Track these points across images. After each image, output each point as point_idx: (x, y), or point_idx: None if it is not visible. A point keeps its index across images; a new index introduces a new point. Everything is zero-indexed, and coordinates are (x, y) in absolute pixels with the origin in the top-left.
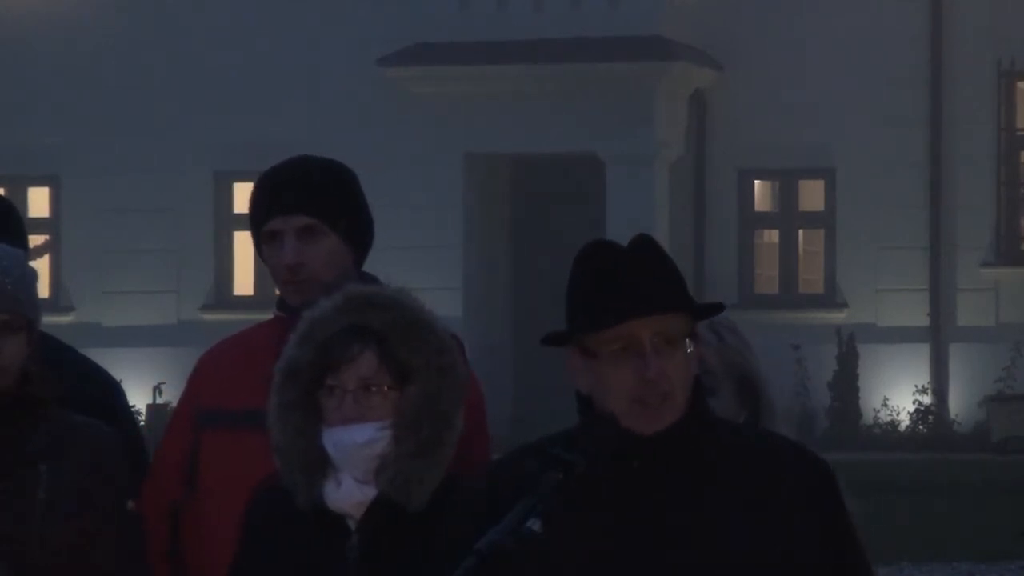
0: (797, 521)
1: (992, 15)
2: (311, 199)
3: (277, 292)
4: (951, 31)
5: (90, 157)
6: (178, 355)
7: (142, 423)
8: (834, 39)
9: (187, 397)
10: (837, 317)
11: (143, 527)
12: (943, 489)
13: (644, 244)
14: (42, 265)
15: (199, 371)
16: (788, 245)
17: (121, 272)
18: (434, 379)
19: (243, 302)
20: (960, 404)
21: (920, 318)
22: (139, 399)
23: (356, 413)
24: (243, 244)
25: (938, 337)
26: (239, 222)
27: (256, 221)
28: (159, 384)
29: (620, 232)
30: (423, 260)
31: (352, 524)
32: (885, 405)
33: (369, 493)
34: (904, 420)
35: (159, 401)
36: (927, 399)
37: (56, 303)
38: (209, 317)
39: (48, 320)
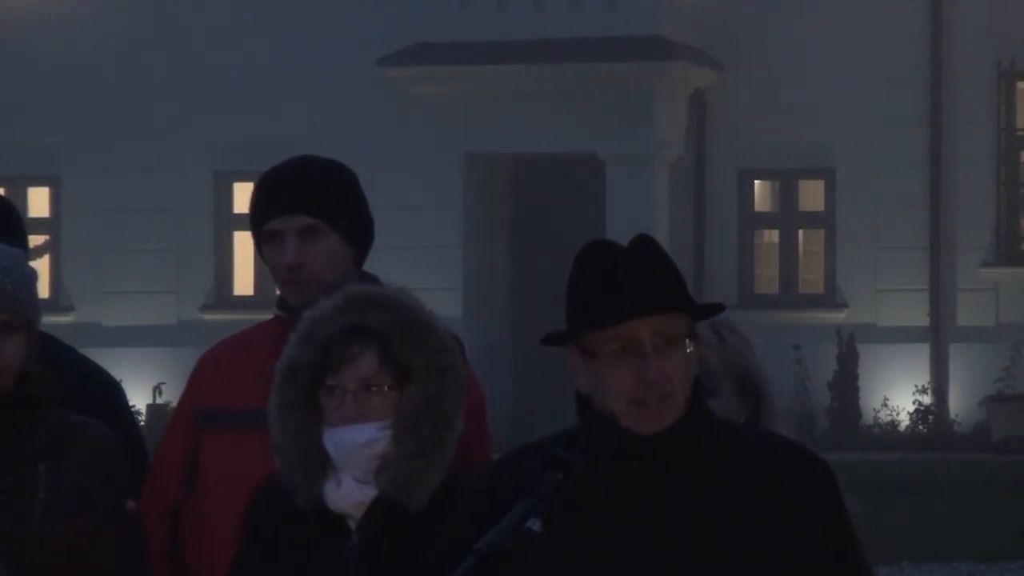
0: (797, 521)
1: (992, 15)
2: (311, 199)
3: (277, 292)
4: (951, 31)
5: (90, 157)
6: (178, 355)
7: (142, 423)
8: (834, 39)
9: (187, 397)
10: (837, 317)
11: (143, 527)
12: (943, 489)
13: (644, 244)
14: (42, 265)
15: (199, 371)
16: (788, 245)
17: (121, 272)
18: (434, 379)
19: (243, 302)
20: (960, 404)
21: (920, 318)
22: (139, 399)
23: (356, 413)
24: (243, 244)
25: (938, 337)
26: (239, 222)
27: (256, 221)
28: (159, 384)
29: (620, 232)
30: (423, 260)
31: (352, 524)
32: (885, 405)
33: (369, 493)
34: (904, 420)
35: (159, 401)
36: (927, 399)
37: (56, 303)
38: (209, 317)
39: (48, 320)
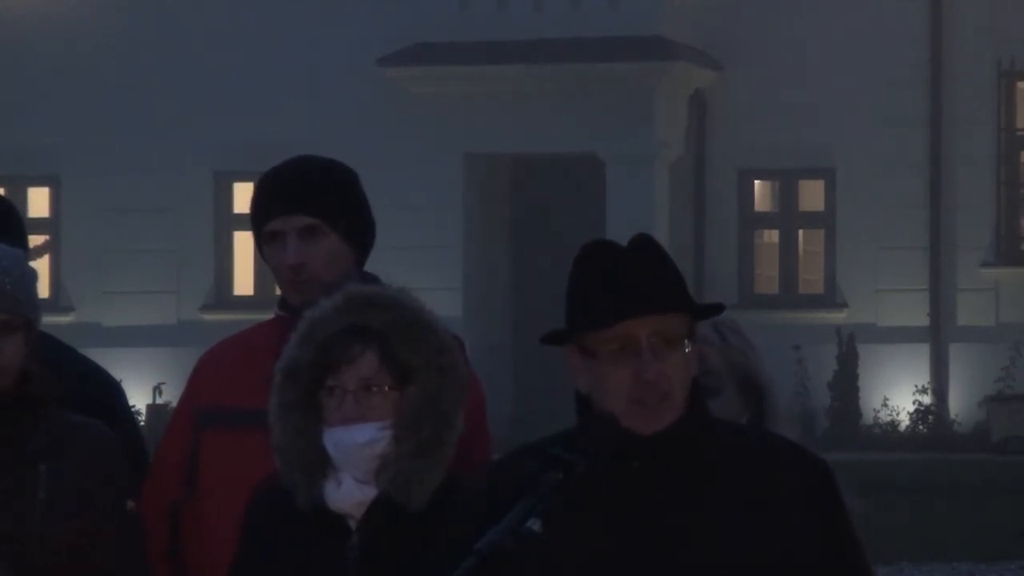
0: (797, 521)
1: (992, 15)
2: (312, 199)
3: (278, 292)
4: (951, 31)
5: (90, 157)
6: (178, 355)
7: (142, 423)
8: (834, 39)
9: (187, 397)
10: (837, 317)
11: (143, 527)
12: (943, 489)
13: (644, 244)
14: (42, 265)
15: (199, 371)
16: (788, 245)
17: (121, 272)
18: (434, 379)
19: (243, 302)
20: (960, 404)
21: (920, 318)
22: (139, 399)
23: (356, 413)
24: (243, 244)
25: (938, 337)
26: (239, 222)
27: (257, 221)
28: (159, 384)
29: (620, 232)
30: (423, 260)
31: (352, 524)
32: (885, 405)
33: (369, 493)
34: (904, 420)
35: (159, 401)
36: (927, 399)
37: (56, 303)
38: (209, 317)
39: (48, 320)
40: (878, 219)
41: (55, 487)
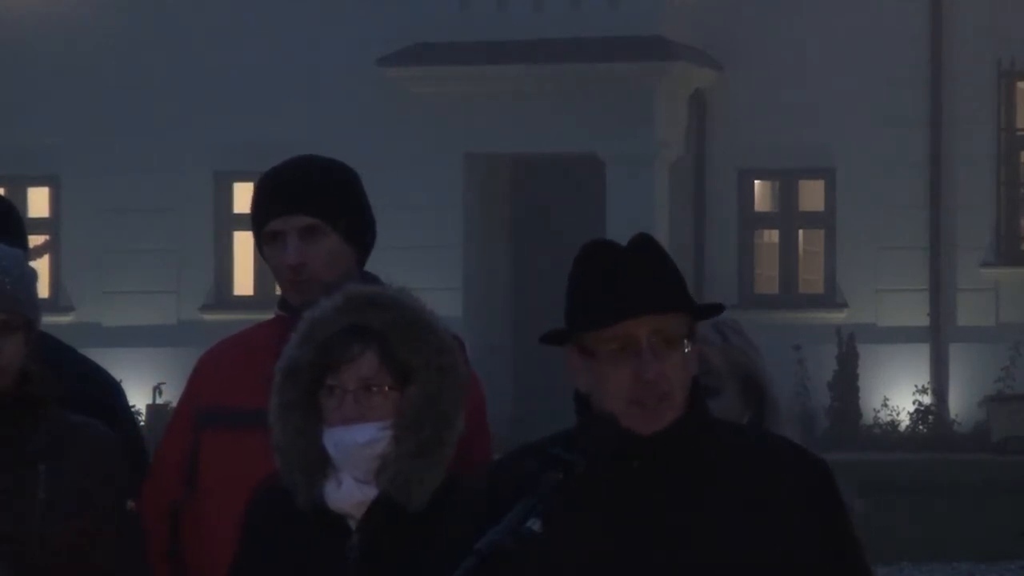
0: (797, 521)
1: (992, 15)
2: (312, 199)
3: (278, 292)
4: (951, 31)
5: (90, 157)
6: (178, 355)
7: (142, 423)
8: (834, 39)
9: (187, 397)
10: (837, 317)
11: (143, 527)
12: (943, 489)
13: (644, 244)
14: (42, 265)
15: (199, 371)
16: (788, 245)
17: (121, 272)
18: (434, 379)
19: (243, 302)
20: (960, 404)
21: (920, 318)
22: (139, 399)
23: (357, 413)
24: (243, 244)
25: (938, 337)
26: (239, 222)
27: (257, 221)
28: (159, 384)
29: (620, 232)
30: (423, 260)
31: (352, 524)
32: (885, 405)
33: (369, 493)
34: (904, 420)
35: (159, 401)
36: (927, 399)
37: (56, 303)
38: (209, 317)
39: (48, 320)
40: (878, 219)
41: (55, 487)
